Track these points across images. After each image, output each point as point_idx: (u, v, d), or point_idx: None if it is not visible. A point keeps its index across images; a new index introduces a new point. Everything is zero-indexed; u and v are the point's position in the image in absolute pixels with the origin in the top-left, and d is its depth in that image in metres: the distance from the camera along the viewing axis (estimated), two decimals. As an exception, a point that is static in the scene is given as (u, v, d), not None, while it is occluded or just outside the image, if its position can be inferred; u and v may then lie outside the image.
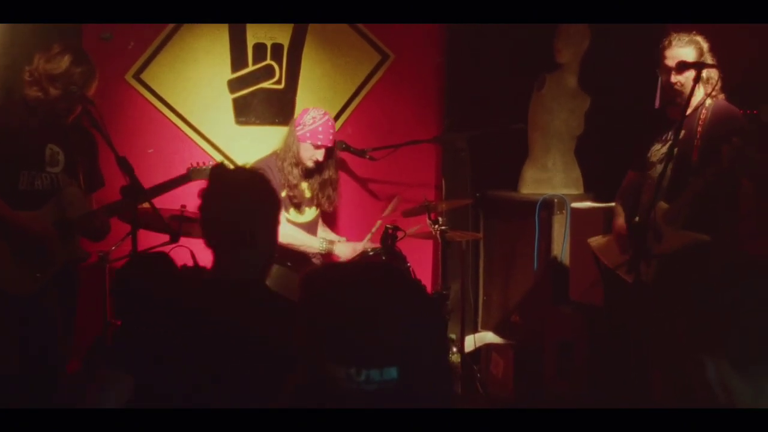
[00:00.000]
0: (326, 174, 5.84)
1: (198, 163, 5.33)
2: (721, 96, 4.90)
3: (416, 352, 1.82)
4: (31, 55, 4.81)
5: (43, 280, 4.70)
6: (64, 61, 4.70)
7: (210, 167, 5.14)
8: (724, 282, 1.89)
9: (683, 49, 4.80)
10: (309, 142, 5.69)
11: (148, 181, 4.93)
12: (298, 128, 5.72)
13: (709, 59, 4.80)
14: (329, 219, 6.30)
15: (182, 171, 5.37)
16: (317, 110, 5.82)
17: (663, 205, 4.77)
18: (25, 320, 4.69)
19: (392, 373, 1.78)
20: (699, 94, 4.81)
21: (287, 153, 5.75)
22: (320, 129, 5.70)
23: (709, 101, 4.85)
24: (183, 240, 4.78)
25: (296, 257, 5.49)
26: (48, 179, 4.77)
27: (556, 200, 6.23)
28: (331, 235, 6.10)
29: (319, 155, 5.73)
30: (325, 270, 2.17)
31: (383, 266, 3.06)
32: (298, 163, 5.72)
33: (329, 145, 5.75)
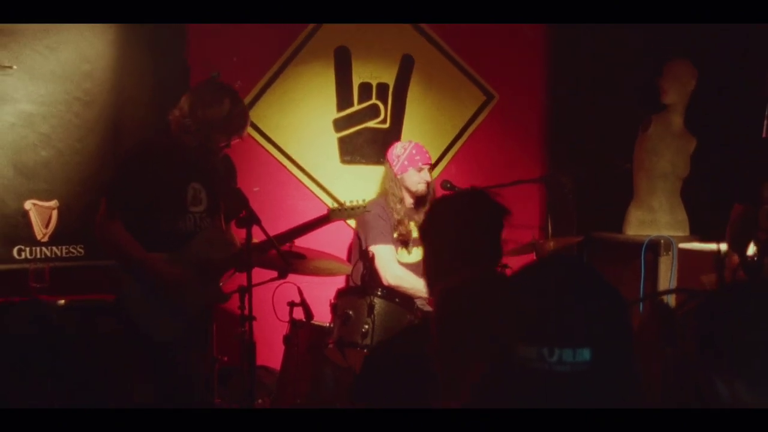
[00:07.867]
0: None
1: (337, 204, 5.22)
2: None
3: (609, 338, 1.79)
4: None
5: (181, 326, 4.53)
6: (225, 105, 4.52)
7: (351, 206, 5.00)
8: None
9: None
10: (411, 168, 5.74)
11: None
12: (393, 164, 5.79)
13: None
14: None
15: (287, 210, 5.36)
16: (400, 142, 5.97)
17: None
18: (167, 368, 4.51)
19: (585, 354, 1.73)
20: None
21: (389, 194, 5.79)
22: (414, 152, 5.79)
23: None
24: (290, 276, 4.78)
25: (403, 296, 5.45)
26: (191, 220, 4.61)
27: (662, 241, 6.11)
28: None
29: (426, 176, 5.77)
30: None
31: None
32: (402, 199, 5.76)
33: (430, 162, 5.84)
